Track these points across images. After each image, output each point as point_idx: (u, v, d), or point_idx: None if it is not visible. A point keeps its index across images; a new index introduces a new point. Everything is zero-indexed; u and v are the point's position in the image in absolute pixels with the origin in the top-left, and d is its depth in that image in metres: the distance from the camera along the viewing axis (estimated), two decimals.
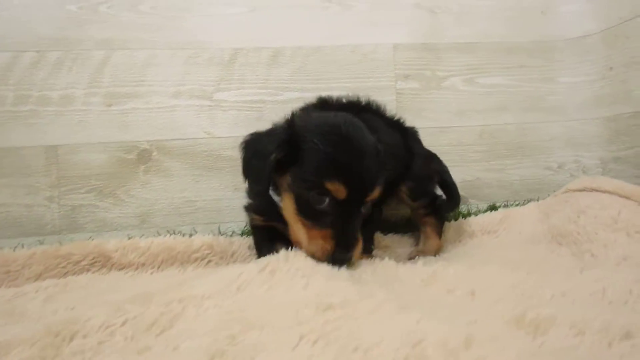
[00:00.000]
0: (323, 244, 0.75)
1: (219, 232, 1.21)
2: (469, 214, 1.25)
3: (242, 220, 1.26)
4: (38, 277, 0.96)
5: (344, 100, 1.14)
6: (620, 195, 0.94)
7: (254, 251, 1.00)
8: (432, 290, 0.68)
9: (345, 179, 0.74)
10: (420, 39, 1.34)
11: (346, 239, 0.75)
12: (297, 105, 1.19)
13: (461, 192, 1.35)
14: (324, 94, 1.24)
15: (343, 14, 1.31)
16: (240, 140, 1.26)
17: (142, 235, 1.16)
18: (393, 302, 0.57)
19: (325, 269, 0.74)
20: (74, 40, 1.18)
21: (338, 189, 0.74)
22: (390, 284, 0.71)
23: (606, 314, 0.51)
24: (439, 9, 1.35)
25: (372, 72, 1.32)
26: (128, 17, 1.21)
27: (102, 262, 0.99)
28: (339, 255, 0.75)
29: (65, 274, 0.98)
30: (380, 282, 0.70)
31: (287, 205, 0.81)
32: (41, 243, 1.13)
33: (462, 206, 1.35)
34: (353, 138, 0.77)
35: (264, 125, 1.25)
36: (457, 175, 1.34)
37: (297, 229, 0.79)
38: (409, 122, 1.29)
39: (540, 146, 1.38)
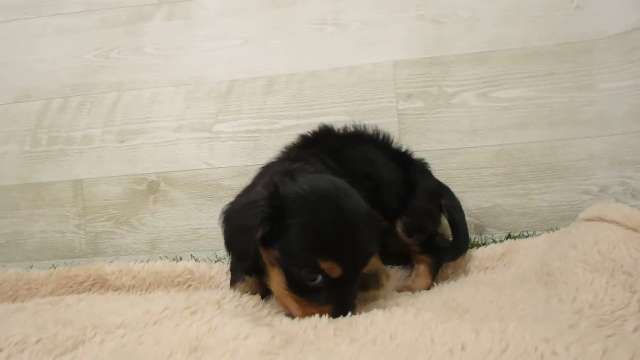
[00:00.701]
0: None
1: (216, 258, 1.25)
2: (475, 245, 1.11)
3: None
4: (50, 294, 1.10)
5: (348, 130, 1.11)
6: (627, 227, 0.77)
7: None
8: (337, 339, 0.63)
9: (340, 257, 0.68)
10: (423, 53, 1.23)
11: (345, 310, 0.70)
12: (292, 133, 1.18)
13: (476, 221, 1.22)
14: (321, 120, 1.22)
15: (338, 34, 1.26)
16: (239, 169, 1.31)
17: (149, 260, 1.25)
18: (260, 346, 0.56)
19: (249, 312, 0.75)
20: (91, 85, 1.32)
21: (332, 268, 0.68)
22: (298, 329, 0.67)
23: None
24: (445, 17, 1.22)
25: (371, 94, 1.25)
26: (134, 60, 1.31)
27: (101, 284, 1.10)
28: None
29: (71, 292, 1.10)
30: (289, 329, 0.67)
31: (275, 279, 0.74)
32: (67, 265, 1.29)
33: (476, 236, 1.21)
34: (344, 210, 0.71)
35: (260, 155, 1.28)
36: (471, 201, 1.21)
37: (288, 302, 0.74)
38: (413, 144, 1.21)
39: (574, 166, 1.17)
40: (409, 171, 1.06)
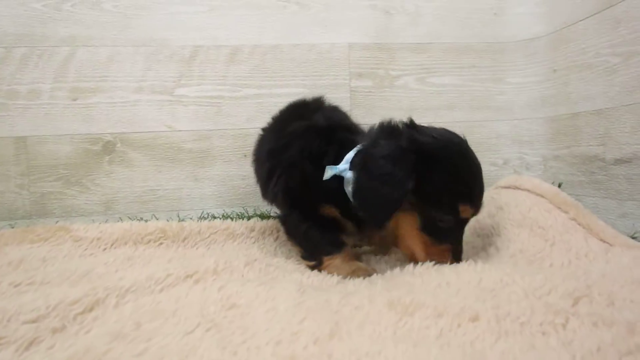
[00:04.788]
0: (441, 259, 0.79)
1: (178, 219, 1.30)
2: None
3: (200, 208, 1.36)
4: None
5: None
6: (536, 194, 1.02)
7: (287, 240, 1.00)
8: (345, 284, 0.78)
9: (473, 200, 0.80)
10: (374, 39, 1.40)
11: (460, 251, 0.81)
12: (254, 101, 1.27)
13: None
14: (280, 91, 1.33)
15: (300, 13, 1.37)
16: (201, 133, 1.36)
17: (107, 220, 1.26)
18: (293, 299, 0.65)
19: (245, 275, 0.82)
20: (39, 37, 1.25)
21: (467, 210, 0.79)
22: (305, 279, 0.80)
23: (467, 300, 0.61)
24: (394, 9, 1.40)
25: (328, 70, 1.39)
26: (91, 15, 1.26)
27: (62, 235, 1.06)
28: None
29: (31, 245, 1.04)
30: (303, 283, 0.78)
31: (407, 223, 0.81)
32: (12, 227, 1.23)
33: None
34: (474, 159, 0.82)
35: (222, 120, 1.35)
36: None
37: (416, 244, 0.81)
38: (362, 118, 1.36)
39: (486, 143, 1.46)
40: None
